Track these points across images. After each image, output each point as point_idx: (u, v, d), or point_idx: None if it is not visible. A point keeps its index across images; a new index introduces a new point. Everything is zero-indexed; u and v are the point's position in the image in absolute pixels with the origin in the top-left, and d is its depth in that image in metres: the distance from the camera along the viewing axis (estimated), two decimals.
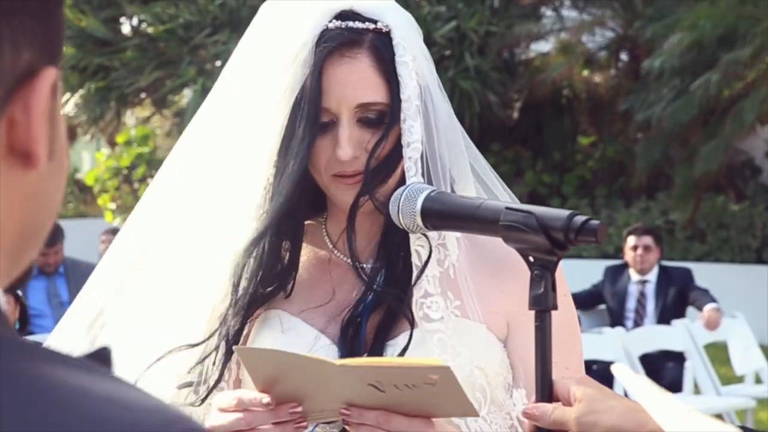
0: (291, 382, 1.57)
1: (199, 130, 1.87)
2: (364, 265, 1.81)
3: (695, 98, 11.92)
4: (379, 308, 1.76)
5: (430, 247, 1.75)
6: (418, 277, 1.75)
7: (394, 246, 1.78)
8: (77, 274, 8.24)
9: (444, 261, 1.78)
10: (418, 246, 1.75)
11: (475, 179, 1.85)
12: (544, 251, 1.52)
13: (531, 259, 1.54)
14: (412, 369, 1.50)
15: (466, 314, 1.77)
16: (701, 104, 11.91)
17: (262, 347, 1.73)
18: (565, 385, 1.51)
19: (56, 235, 8.47)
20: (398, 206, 1.68)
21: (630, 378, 1.45)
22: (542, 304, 1.51)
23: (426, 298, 1.75)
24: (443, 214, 1.65)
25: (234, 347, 1.71)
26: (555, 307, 1.52)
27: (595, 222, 1.49)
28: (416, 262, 1.75)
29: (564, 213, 1.51)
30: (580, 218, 1.50)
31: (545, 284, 1.51)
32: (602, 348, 7.13)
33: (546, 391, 1.52)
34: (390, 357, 1.68)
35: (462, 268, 1.78)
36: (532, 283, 1.52)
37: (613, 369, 1.49)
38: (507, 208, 1.57)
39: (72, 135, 22.73)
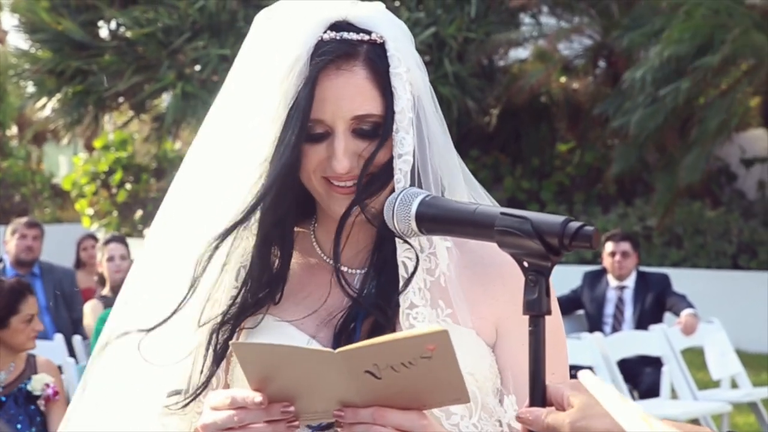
0: (285, 379, 1.57)
1: (203, 142, 1.86)
2: (354, 271, 1.81)
3: (663, 105, 11.99)
4: (372, 315, 1.76)
5: (417, 259, 1.76)
6: (404, 287, 1.75)
7: (387, 256, 1.78)
8: (52, 278, 8.15)
9: (435, 270, 1.78)
10: (405, 258, 1.76)
11: (468, 187, 1.84)
12: (539, 256, 1.52)
13: (525, 264, 1.55)
14: (410, 339, 1.50)
15: (457, 322, 1.77)
16: (668, 112, 11.97)
17: (257, 342, 1.73)
18: (559, 389, 1.52)
19: (35, 222, 8.42)
20: (393, 210, 1.68)
21: (597, 386, 1.46)
22: (536, 309, 1.52)
23: (412, 309, 1.75)
24: (438, 219, 1.65)
25: (230, 342, 1.70)
26: (549, 312, 1.53)
27: (590, 228, 1.50)
28: (403, 273, 1.75)
29: (559, 219, 1.52)
30: (575, 224, 1.51)
31: (539, 289, 1.52)
32: (581, 353, 7.15)
33: (539, 395, 1.52)
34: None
35: (452, 276, 1.78)
36: (527, 288, 1.53)
37: (580, 376, 1.49)
38: (502, 213, 1.57)
39: (49, 139, 22.63)
